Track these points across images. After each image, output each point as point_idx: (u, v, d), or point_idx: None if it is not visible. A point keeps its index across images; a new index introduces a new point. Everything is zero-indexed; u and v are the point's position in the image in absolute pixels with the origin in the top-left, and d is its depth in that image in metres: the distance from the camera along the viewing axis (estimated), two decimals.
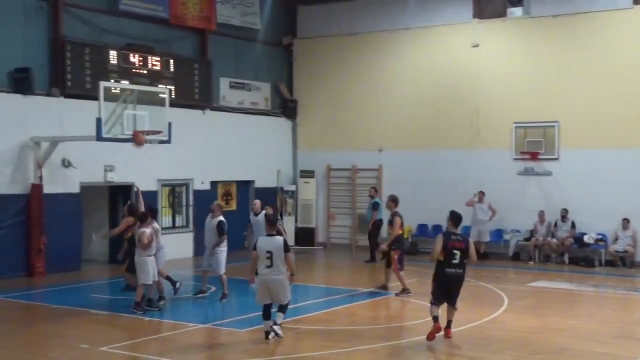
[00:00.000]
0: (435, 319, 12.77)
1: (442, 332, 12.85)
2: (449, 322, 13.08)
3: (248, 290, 17.69)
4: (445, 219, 13.60)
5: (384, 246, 17.45)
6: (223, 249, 16.72)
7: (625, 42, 22.53)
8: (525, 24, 23.78)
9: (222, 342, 13.35)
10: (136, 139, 17.79)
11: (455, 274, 12.86)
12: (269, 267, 12.64)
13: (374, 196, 23.81)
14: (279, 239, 12.84)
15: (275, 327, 12.88)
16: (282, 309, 12.96)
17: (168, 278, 16.29)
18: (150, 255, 15.17)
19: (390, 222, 17.39)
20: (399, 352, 12.40)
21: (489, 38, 24.38)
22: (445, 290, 12.91)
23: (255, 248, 12.90)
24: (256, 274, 12.91)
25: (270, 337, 12.81)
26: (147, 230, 15.09)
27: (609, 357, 12.28)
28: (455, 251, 12.78)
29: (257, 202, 18.94)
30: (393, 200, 17.60)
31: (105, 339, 13.10)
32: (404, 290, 17.11)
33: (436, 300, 12.93)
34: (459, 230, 13.26)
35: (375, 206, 23.31)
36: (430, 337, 12.66)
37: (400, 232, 17.33)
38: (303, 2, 27.56)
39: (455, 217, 13.17)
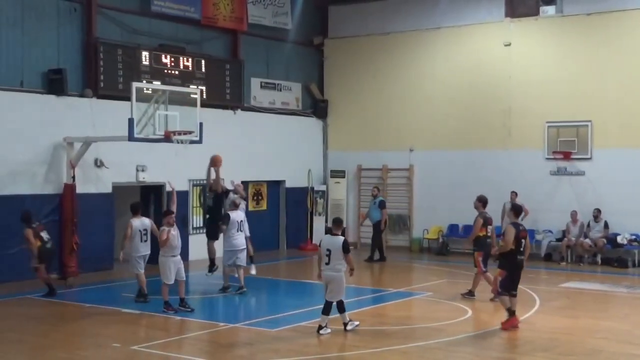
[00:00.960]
0: (512, 312, 13.69)
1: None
2: (514, 312, 13.81)
3: (278, 290, 17.80)
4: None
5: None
6: (226, 243, 17.09)
7: None
8: (558, 22, 23.61)
9: (252, 342, 13.38)
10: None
11: (522, 260, 13.93)
12: (327, 264, 13.53)
13: (377, 195, 23.69)
14: (340, 239, 13.62)
15: (348, 325, 13.50)
16: (341, 309, 13.57)
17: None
18: (174, 256, 15.20)
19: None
20: (429, 353, 12.35)
21: (522, 37, 24.21)
22: (514, 278, 13.85)
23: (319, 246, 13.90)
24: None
25: (321, 332, 13.29)
26: (167, 229, 15.06)
27: None
28: (522, 240, 13.81)
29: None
30: (480, 201, 16.71)
31: (136, 338, 13.23)
32: (470, 292, 16.73)
33: (506, 290, 13.78)
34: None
35: (382, 205, 23.22)
36: (506, 326, 13.61)
37: (482, 233, 16.43)
38: (334, 2, 27.55)
39: (516, 209, 14.40)
